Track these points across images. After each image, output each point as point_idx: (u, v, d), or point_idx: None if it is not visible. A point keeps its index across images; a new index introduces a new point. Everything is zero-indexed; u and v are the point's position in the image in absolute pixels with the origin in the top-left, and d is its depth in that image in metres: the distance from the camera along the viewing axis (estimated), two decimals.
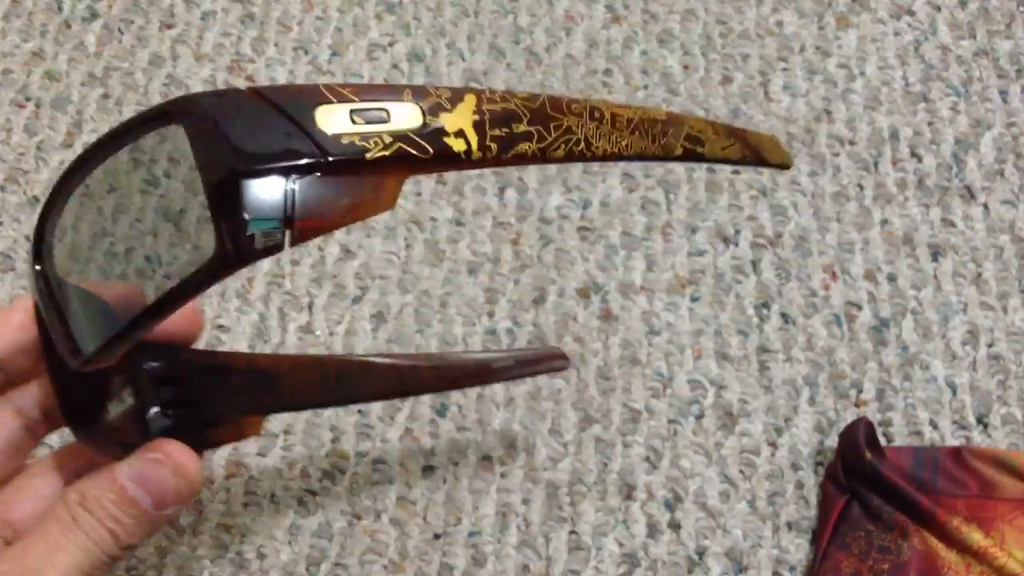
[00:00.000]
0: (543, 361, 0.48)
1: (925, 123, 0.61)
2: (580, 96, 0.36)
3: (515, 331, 0.54)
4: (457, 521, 0.49)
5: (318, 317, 0.54)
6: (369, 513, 0.49)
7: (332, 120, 0.31)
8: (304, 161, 0.30)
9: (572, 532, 0.49)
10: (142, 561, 0.48)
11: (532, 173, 0.59)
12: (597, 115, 0.35)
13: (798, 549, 0.49)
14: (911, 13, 0.65)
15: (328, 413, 0.52)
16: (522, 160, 0.34)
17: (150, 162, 0.34)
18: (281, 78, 0.62)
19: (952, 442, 0.51)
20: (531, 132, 0.33)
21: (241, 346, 0.53)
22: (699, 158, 0.37)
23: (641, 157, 0.36)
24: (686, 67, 0.63)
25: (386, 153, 0.31)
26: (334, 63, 0.63)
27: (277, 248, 0.30)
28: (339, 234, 0.56)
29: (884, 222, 0.57)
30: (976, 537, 0.46)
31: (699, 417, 0.52)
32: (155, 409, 0.35)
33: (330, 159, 0.30)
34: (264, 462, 0.51)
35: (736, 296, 0.55)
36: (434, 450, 0.51)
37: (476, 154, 0.32)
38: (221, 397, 0.38)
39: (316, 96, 0.31)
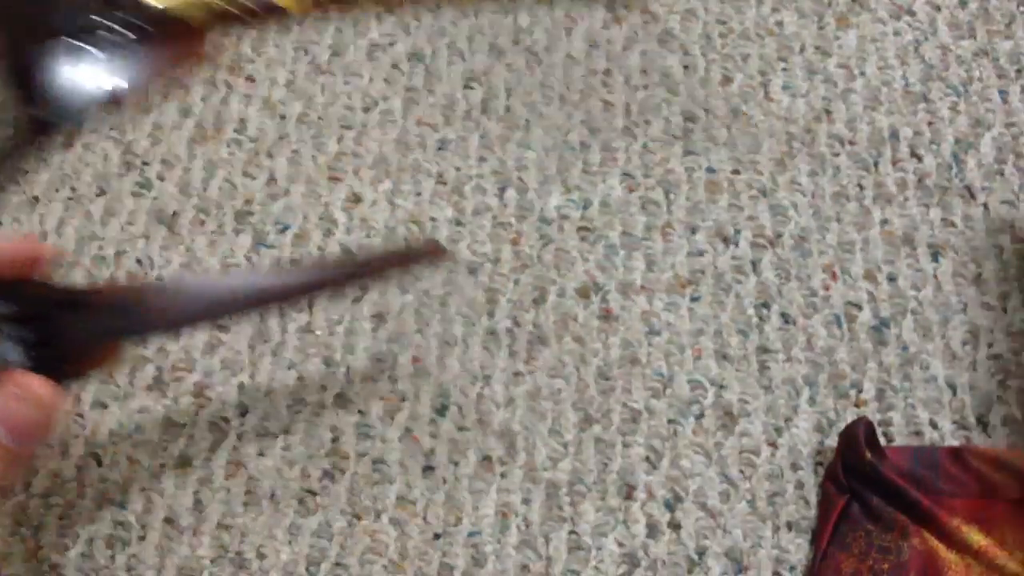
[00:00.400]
0: (420, 254, 0.46)
1: (925, 123, 0.61)
2: None
3: (515, 331, 0.54)
4: (457, 521, 0.49)
5: (318, 317, 0.54)
6: (369, 513, 0.49)
7: None
8: (114, 27, 0.29)
9: (572, 532, 0.49)
10: (142, 561, 0.48)
11: (532, 173, 0.59)
12: None
13: (798, 549, 0.49)
14: (911, 13, 0.65)
15: (328, 413, 0.52)
16: (341, 2, 0.32)
17: None
18: (281, 78, 0.62)
19: (952, 442, 0.51)
20: None
21: (241, 347, 0.53)
22: None
23: None
24: (686, 67, 0.63)
25: (210, 15, 0.30)
26: (334, 63, 0.63)
27: (85, 117, 0.29)
28: (339, 233, 0.56)
29: (884, 222, 0.57)
30: (976, 537, 0.46)
31: (699, 417, 0.52)
32: (8, 345, 0.35)
33: (157, 28, 0.29)
34: (264, 462, 0.51)
35: (736, 296, 0.55)
36: (434, 450, 0.51)
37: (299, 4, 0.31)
38: (75, 328, 0.37)
39: None
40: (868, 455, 0.48)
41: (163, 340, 0.53)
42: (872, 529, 0.47)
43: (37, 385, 0.33)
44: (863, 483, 0.48)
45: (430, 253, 0.46)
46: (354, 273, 0.44)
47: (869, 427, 0.49)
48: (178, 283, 0.44)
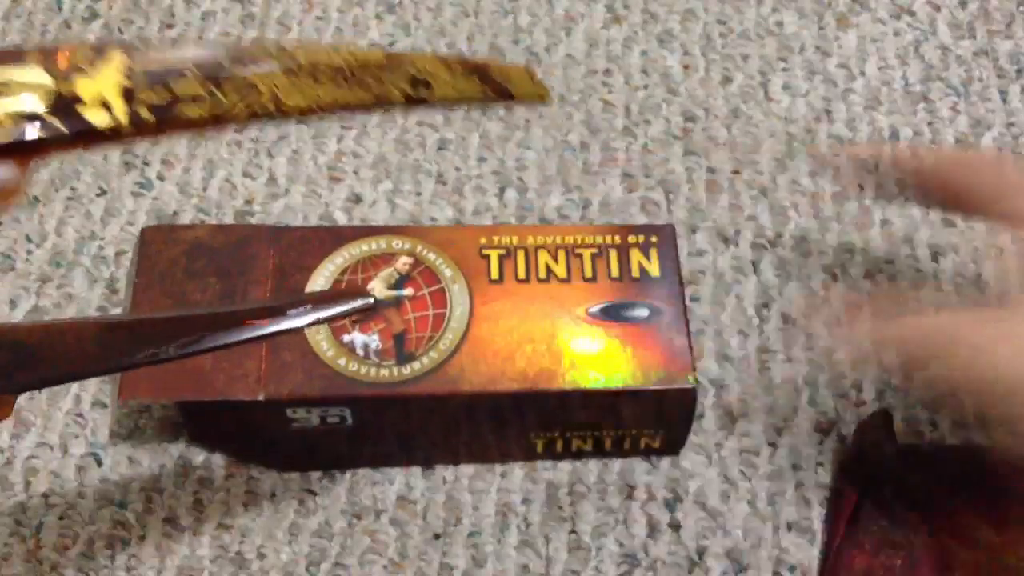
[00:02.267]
0: (343, 299, 0.39)
1: (925, 123, 0.61)
2: (272, 45, 0.31)
3: None
4: (457, 521, 0.49)
5: None
6: (369, 513, 0.49)
7: None
8: None
9: (572, 532, 0.49)
10: (142, 561, 0.48)
11: (532, 173, 0.59)
12: (291, 65, 0.30)
13: (798, 549, 0.49)
14: (911, 13, 0.65)
15: None
16: (190, 126, 0.28)
17: None
18: None
19: (952, 442, 0.51)
20: (200, 94, 0.28)
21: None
22: (423, 102, 0.32)
23: (347, 108, 0.31)
24: (686, 67, 0.63)
25: (3, 141, 0.26)
26: None
27: None
28: None
29: (884, 222, 0.57)
30: (988, 535, 0.46)
31: (699, 417, 0.52)
32: None
33: None
34: None
35: (736, 296, 0.55)
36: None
37: (127, 128, 0.27)
38: None
39: None
40: (887, 446, 0.48)
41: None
42: (885, 525, 0.47)
43: None
44: (880, 475, 0.48)
45: (354, 296, 0.39)
46: (277, 318, 0.36)
47: (888, 419, 0.49)
48: (80, 327, 0.35)
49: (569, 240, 0.50)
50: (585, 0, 0.65)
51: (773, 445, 0.51)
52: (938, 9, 0.65)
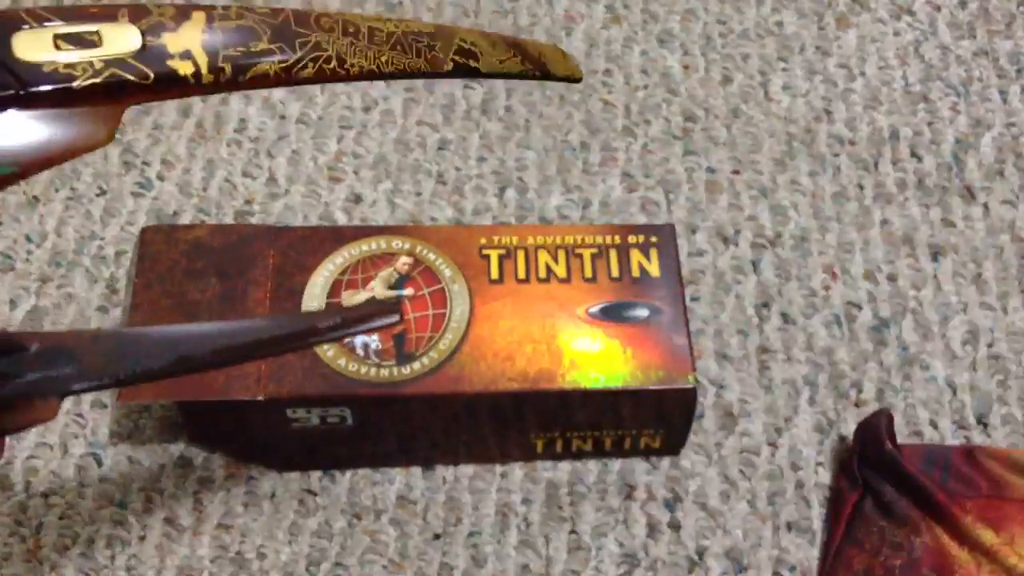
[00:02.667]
0: (373, 317, 0.40)
1: (925, 123, 0.61)
2: (332, 10, 0.33)
3: None
4: (457, 521, 0.49)
5: None
6: (369, 513, 0.49)
7: (32, 46, 0.28)
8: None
9: (572, 532, 0.49)
10: (142, 561, 0.48)
11: (532, 173, 0.59)
12: (352, 30, 0.32)
13: (798, 549, 0.49)
14: (911, 13, 0.65)
15: None
16: (263, 82, 0.30)
17: None
18: None
19: (952, 442, 0.51)
20: (272, 49, 0.30)
21: None
22: (473, 72, 0.34)
23: (404, 74, 0.33)
24: (686, 67, 0.63)
25: (96, 80, 0.28)
26: None
27: None
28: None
29: (884, 222, 0.57)
30: (987, 536, 0.46)
31: (699, 417, 0.52)
32: None
33: (30, 90, 0.27)
34: None
35: (736, 296, 0.55)
36: None
37: (207, 77, 0.29)
38: (12, 378, 0.34)
39: (13, 21, 0.28)
40: (888, 446, 0.48)
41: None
42: (885, 525, 0.47)
43: None
44: (879, 476, 0.48)
45: (383, 314, 0.40)
46: (312, 335, 0.39)
47: (889, 419, 0.49)
48: (128, 333, 0.39)
49: (569, 240, 0.50)
50: (585, 0, 0.65)
51: (773, 445, 0.51)
52: (938, 9, 0.65)
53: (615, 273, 0.49)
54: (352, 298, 0.48)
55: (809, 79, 0.62)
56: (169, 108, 0.61)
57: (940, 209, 0.58)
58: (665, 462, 0.51)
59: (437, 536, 0.49)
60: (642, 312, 0.48)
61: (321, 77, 0.31)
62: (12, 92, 0.27)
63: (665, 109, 0.61)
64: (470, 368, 0.46)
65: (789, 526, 0.49)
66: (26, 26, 0.28)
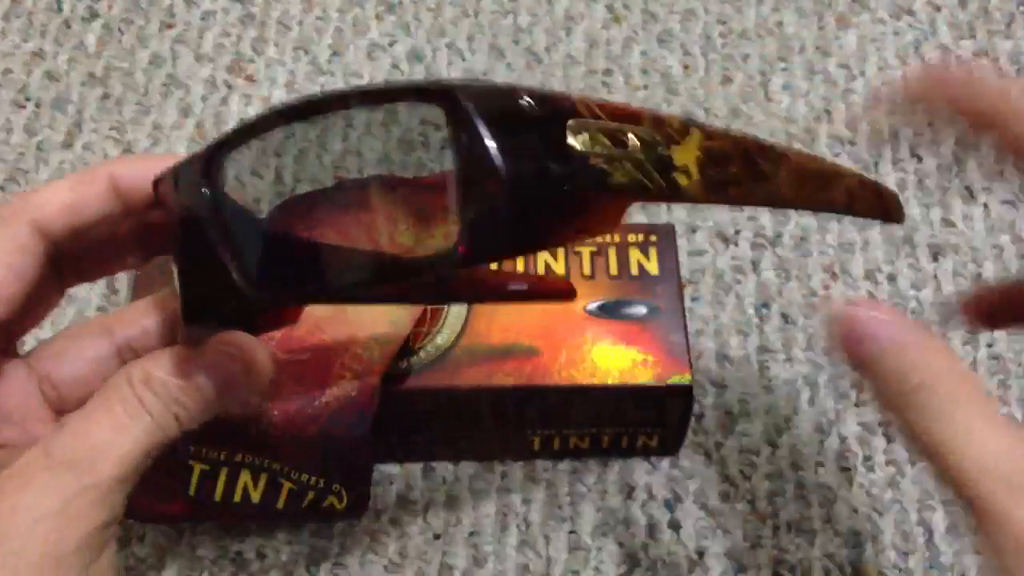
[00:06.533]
0: (552, 293, 0.46)
1: (925, 123, 0.61)
2: (776, 141, 0.37)
3: None
4: (457, 521, 0.49)
5: None
6: (369, 513, 0.49)
7: (581, 137, 0.30)
8: (552, 178, 0.30)
9: (572, 532, 0.49)
10: (142, 561, 0.48)
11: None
12: (786, 163, 0.35)
13: (798, 549, 0.48)
14: (911, 13, 0.65)
15: None
16: (727, 201, 0.34)
17: (404, 130, 0.34)
18: (281, 78, 0.62)
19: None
20: (739, 175, 0.33)
21: None
22: (850, 212, 0.38)
23: (809, 206, 0.37)
24: (686, 67, 0.63)
25: (624, 180, 0.31)
26: (334, 63, 0.63)
27: (506, 256, 0.31)
28: None
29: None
30: None
31: (699, 417, 0.52)
32: None
33: (578, 180, 0.30)
34: None
35: (736, 296, 0.55)
36: None
37: (696, 192, 0.32)
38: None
39: (570, 109, 0.31)
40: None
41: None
42: None
43: (250, 348, 0.33)
44: None
45: (561, 290, 0.45)
46: (500, 293, 0.44)
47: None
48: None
49: None
50: (585, 0, 0.65)
51: (773, 445, 0.51)
52: (938, 9, 0.65)
53: (614, 271, 0.49)
54: None
55: (809, 79, 0.62)
56: (170, 108, 0.61)
57: (940, 209, 0.58)
58: (665, 462, 0.51)
59: (437, 536, 0.49)
60: (640, 309, 0.48)
61: (761, 203, 0.35)
62: (565, 178, 0.30)
63: (665, 109, 0.61)
64: (467, 363, 0.46)
65: (789, 526, 0.49)
66: (578, 116, 0.30)
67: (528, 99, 0.30)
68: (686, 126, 0.33)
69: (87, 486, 0.31)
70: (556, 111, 0.30)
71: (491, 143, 0.29)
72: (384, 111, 0.33)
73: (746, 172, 0.33)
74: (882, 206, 0.40)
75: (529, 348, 0.47)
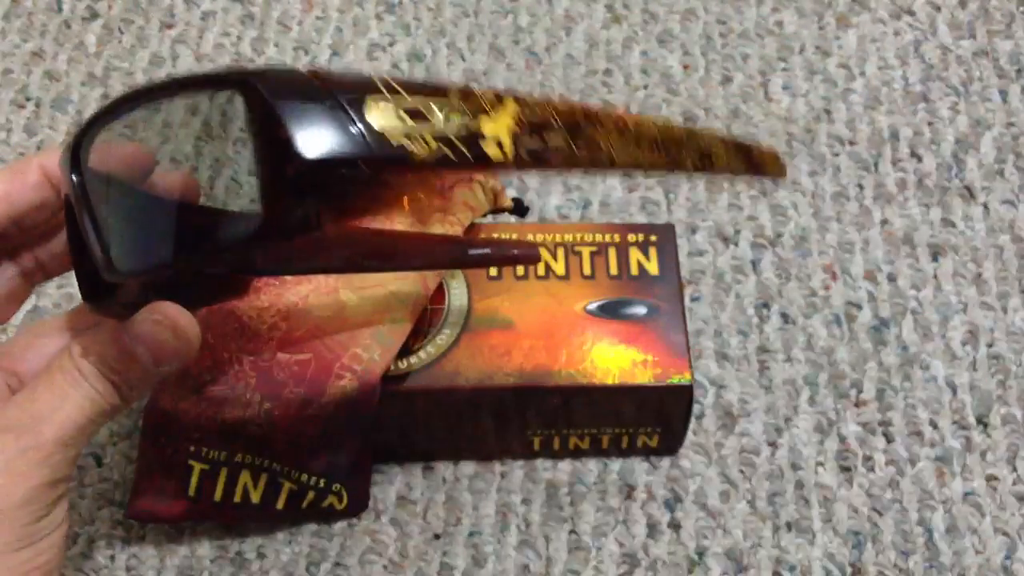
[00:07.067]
0: (518, 256, 0.46)
1: (925, 123, 0.61)
2: (610, 107, 0.38)
3: None
4: (457, 521, 0.49)
5: None
6: (369, 513, 0.49)
7: (380, 114, 0.31)
8: (352, 158, 0.31)
9: (572, 532, 0.49)
10: (142, 562, 0.48)
11: (532, 173, 0.58)
12: (622, 127, 0.36)
13: (798, 549, 0.48)
14: (911, 13, 0.65)
15: None
16: (548, 167, 0.34)
17: (205, 117, 0.35)
18: None
19: (953, 443, 0.51)
20: (562, 143, 0.34)
21: None
22: (705, 171, 0.39)
23: (652, 168, 0.37)
24: (686, 67, 0.63)
25: (427, 156, 0.32)
26: (334, 63, 0.63)
27: (314, 228, 0.32)
28: None
29: (884, 222, 0.57)
30: None
31: (699, 417, 0.52)
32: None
33: (376, 157, 0.31)
34: None
35: (736, 296, 0.55)
36: None
37: (510, 162, 0.33)
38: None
39: (370, 89, 0.32)
40: None
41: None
42: None
43: (176, 314, 0.35)
44: None
45: (527, 251, 0.45)
46: (462, 261, 0.44)
47: None
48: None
49: (568, 238, 0.50)
50: (585, 0, 0.65)
51: (773, 445, 0.51)
52: (938, 9, 0.65)
53: (614, 271, 0.49)
54: None
55: (809, 79, 0.62)
56: None
57: (940, 209, 0.58)
58: (665, 462, 0.51)
59: (437, 536, 0.49)
60: (640, 309, 0.48)
61: (590, 168, 0.36)
62: (363, 156, 0.31)
63: (665, 109, 0.61)
64: (467, 363, 0.46)
65: (789, 526, 0.49)
66: (378, 93, 0.32)
67: (325, 80, 0.31)
68: (499, 97, 0.33)
69: (28, 447, 0.34)
70: (354, 90, 0.31)
71: (286, 124, 0.30)
72: (191, 99, 0.35)
73: (568, 139, 0.34)
74: (751, 162, 0.40)
75: (529, 348, 0.47)
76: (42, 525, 0.35)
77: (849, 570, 0.48)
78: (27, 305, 0.54)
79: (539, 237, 0.50)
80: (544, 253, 0.49)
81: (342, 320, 0.46)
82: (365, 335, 0.46)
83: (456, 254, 0.44)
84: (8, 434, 0.34)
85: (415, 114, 0.32)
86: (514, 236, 0.50)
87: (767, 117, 0.61)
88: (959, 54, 0.63)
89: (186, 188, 0.37)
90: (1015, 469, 0.51)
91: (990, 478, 0.50)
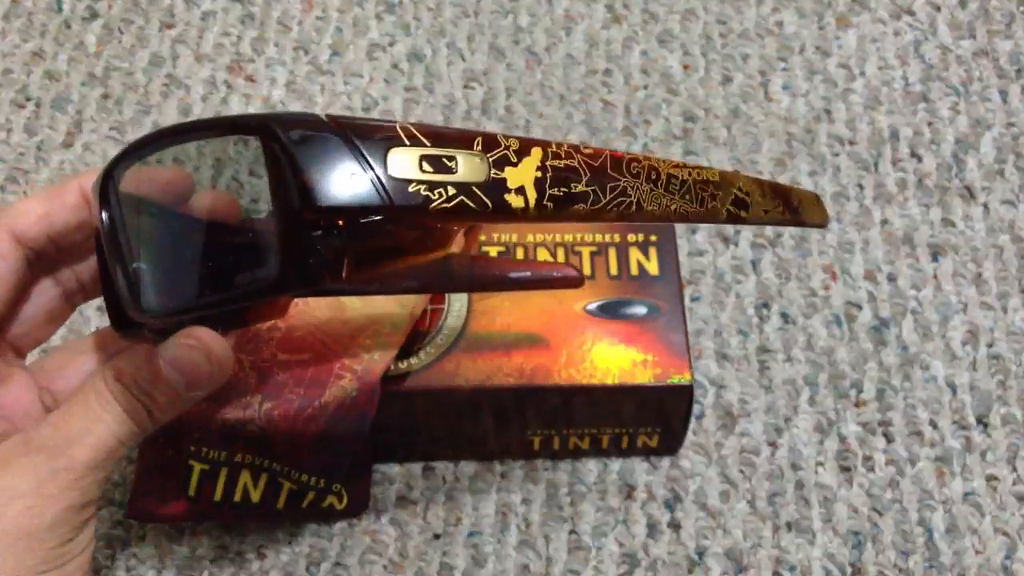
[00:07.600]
0: (557, 278, 0.45)
1: (925, 123, 0.61)
2: (640, 154, 0.37)
3: None
4: (457, 521, 0.49)
5: None
6: (369, 513, 0.49)
7: (402, 164, 0.32)
8: (370, 205, 0.31)
9: (572, 532, 0.49)
10: (142, 562, 0.48)
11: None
12: (653, 176, 0.35)
13: (798, 549, 0.48)
14: (911, 13, 0.65)
15: None
16: (573, 218, 0.34)
17: (227, 162, 0.36)
18: (281, 78, 0.62)
19: (953, 443, 0.51)
20: (587, 192, 0.34)
21: None
22: (740, 221, 0.38)
23: (683, 218, 0.37)
24: (686, 67, 0.63)
25: (447, 205, 0.32)
26: (334, 63, 0.63)
27: (335, 279, 0.32)
28: None
29: (884, 222, 0.57)
30: None
31: (699, 417, 0.52)
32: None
33: (395, 206, 0.31)
34: None
35: (736, 296, 0.55)
36: None
37: (532, 212, 0.33)
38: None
39: (392, 137, 0.32)
40: None
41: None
42: None
43: (209, 339, 0.35)
44: None
45: (567, 276, 0.44)
46: (503, 284, 0.44)
47: None
48: None
49: (568, 238, 0.50)
50: (585, 0, 0.65)
51: (773, 445, 0.51)
52: (938, 9, 0.65)
53: (614, 271, 0.49)
54: None
55: (809, 79, 0.62)
56: (170, 108, 0.61)
57: (940, 209, 0.58)
58: (665, 462, 0.51)
59: (437, 536, 0.49)
60: (640, 309, 0.48)
61: (619, 219, 0.35)
62: (381, 205, 0.31)
63: (665, 109, 0.61)
64: (467, 364, 0.46)
65: (789, 526, 0.49)
66: (401, 145, 0.32)
67: (345, 126, 0.31)
68: (526, 146, 0.33)
69: (60, 469, 0.34)
70: (378, 139, 0.31)
71: (305, 171, 0.31)
72: (212, 143, 0.35)
73: (596, 189, 0.34)
74: (790, 206, 0.40)
75: (536, 336, 0.47)
76: (69, 548, 0.35)
77: (849, 570, 0.48)
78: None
79: (539, 237, 0.50)
80: (544, 253, 0.49)
81: (342, 320, 0.46)
82: (365, 335, 0.46)
83: (498, 277, 0.43)
84: (40, 454, 0.34)
85: (436, 162, 0.32)
86: (514, 236, 0.50)
87: (767, 117, 0.61)
88: (959, 54, 0.63)
89: (228, 207, 0.37)
90: (1015, 469, 0.51)
91: (990, 478, 0.50)
